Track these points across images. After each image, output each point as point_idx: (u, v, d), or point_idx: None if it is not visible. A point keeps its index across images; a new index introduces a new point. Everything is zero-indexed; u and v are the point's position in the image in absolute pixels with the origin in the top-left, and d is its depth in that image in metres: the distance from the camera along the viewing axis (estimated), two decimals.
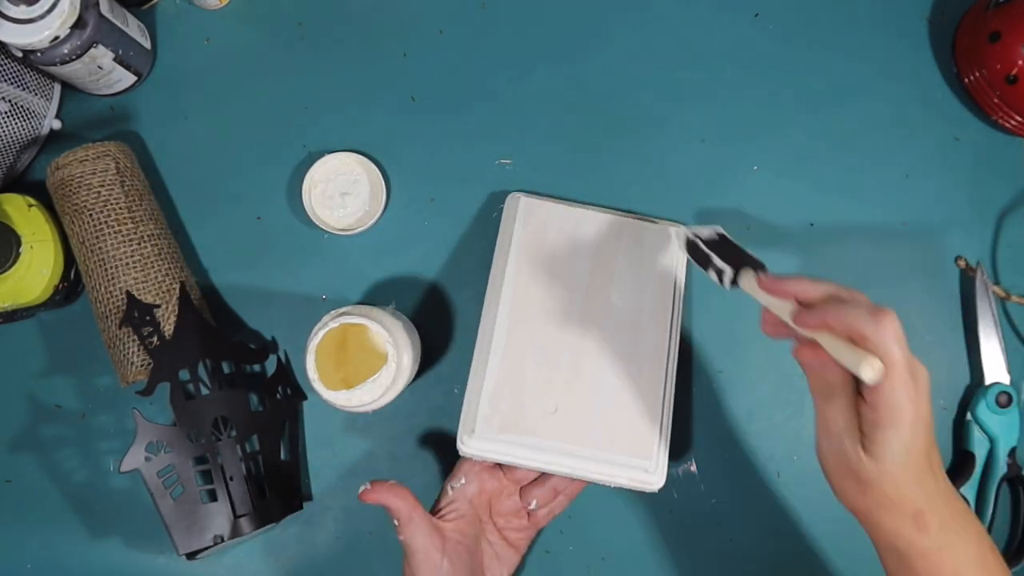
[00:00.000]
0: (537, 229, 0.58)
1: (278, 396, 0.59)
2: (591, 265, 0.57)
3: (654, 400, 0.54)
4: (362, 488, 0.49)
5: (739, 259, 0.49)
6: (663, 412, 0.54)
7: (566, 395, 0.54)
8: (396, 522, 0.49)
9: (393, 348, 0.51)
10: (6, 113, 0.58)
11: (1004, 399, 0.57)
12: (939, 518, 0.42)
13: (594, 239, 0.58)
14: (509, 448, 0.52)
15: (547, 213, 0.59)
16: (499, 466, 0.54)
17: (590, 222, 0.59)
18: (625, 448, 0.53)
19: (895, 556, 0.43)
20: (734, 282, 0.49)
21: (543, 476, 0.54)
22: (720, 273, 0.50)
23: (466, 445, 0.52)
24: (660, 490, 0.53)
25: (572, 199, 0.61)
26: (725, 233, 0.53)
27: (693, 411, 0.60)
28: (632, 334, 0.56)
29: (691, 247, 0.53)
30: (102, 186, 0.56)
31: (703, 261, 0.52)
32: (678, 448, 0.59)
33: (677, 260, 0.58)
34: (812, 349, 0.42)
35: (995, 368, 0.58)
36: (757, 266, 0.48)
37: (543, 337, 0.55)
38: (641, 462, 0.52)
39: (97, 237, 0.56)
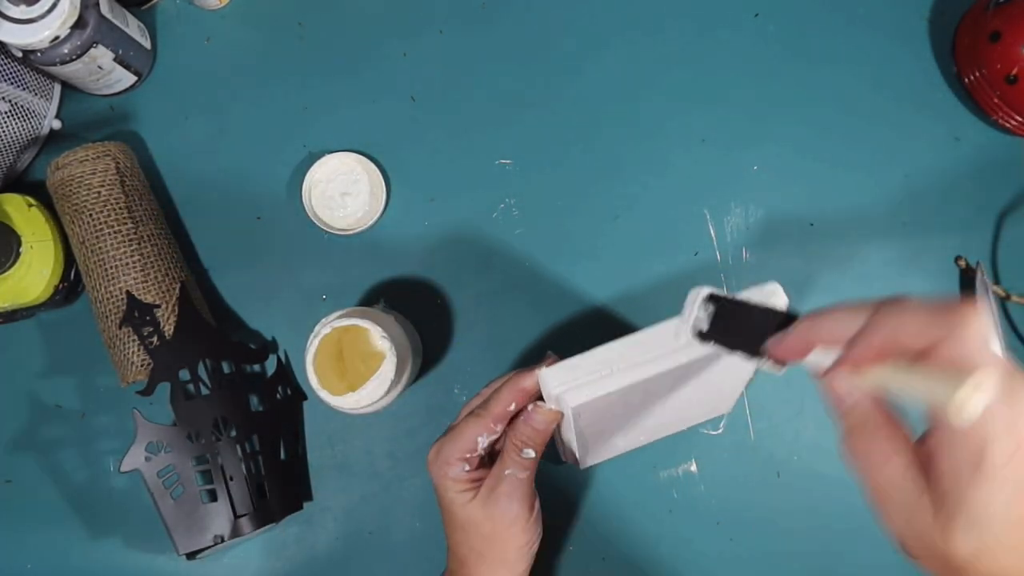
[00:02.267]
0: (589, 412, 0.44)
1: (278, 396, 0.59)
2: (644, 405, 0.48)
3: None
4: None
5: (748, 335, 0.35)
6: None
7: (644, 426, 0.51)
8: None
9: (390, 343, 0.51)
10: (6, 113, 0.58)
11: None
12: None
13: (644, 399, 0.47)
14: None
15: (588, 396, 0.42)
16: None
17: (635, 391, 0.43)
18: (702, 415, 0.55)
19: None
20: (755, 353, 0.35)
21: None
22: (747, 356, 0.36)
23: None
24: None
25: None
26: (716, 293, 0.38)
27: None
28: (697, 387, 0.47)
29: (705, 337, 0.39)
30: (102, 186, 0.56)
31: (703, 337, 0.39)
32: (678, 448, 0.59)
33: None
34: (848, 383, 0.30)
35: None
36: (764, 336, 0.34)
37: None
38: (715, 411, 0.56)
39: (97, 237, 0.56)
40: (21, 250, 0.55)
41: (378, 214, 0.61)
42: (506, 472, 0.44)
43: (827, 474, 0.58)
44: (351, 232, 0.60)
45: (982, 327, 0.27)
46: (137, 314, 0.56)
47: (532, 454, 0.44)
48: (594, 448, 0.53)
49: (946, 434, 0.27)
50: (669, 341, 0.41)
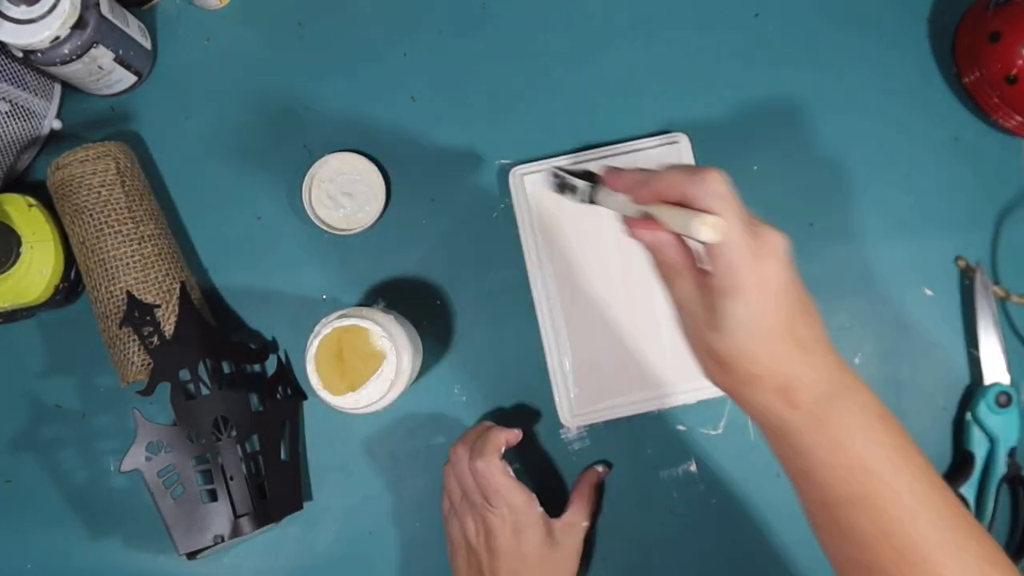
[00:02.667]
0: (550, 200, 0.59)
1: (278, 396, 0.59)
2: (612, 212, 0.58)
3: None
4: None
5: (589, 176, 0.48)
6: None
7: (631, 345, 0.58)
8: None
9: (390, 342, 0.51)
10: (6, 113, 0.58)
11: (1004, 399, 0.57)
12: (812, 393, 0.39)
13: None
14: (601, 412, 0.58)
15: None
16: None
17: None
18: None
19: (770, 432, 0.41)
20: (591, 200, 0.48)
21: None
22: (574, 189, 0.48)
23: (569, 424, 0.58)
24: None
25: (565, 152, 0.61)
26: (595, 173, 0.50)
27: (693, 412, 0.60)
28: None
29: (555, 181, 0.51)
30: (102, 186, 0.56)
31: (562, 188, 0.50)
32: (678, 448, 0.59)
33: None
34: (647, 225, 0.40)
35: (995, 368, 0.58)
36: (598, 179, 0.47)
37: (595, 299, 0.59)
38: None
39: (97, 237, 0.56)
40: (21, 250, 0.55)
41: (378, 214, 0.61)
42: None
43: None
44: (351, 232, 0.60)
45: (720, 184, 0.37)
46: (137, 314, 0.56)
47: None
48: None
49: (714, 258, 0.37)
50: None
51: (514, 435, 0.54)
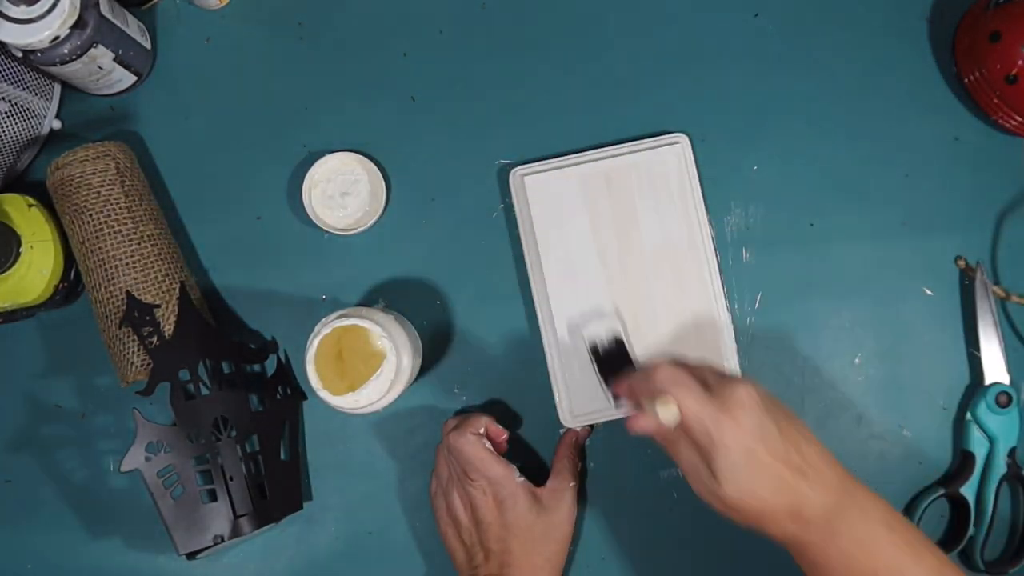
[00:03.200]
0: (550, 201, 0.60)
1: (278, 396, 0.59)
2: (612, 213, 0.59)
3: (712, 315, 0.58)
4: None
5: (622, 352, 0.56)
6: (721, 320, 0.59)
7: (638, 340, 0.58)
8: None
9: (390, 342, 0.51)
10: (6, 113, 0.58)
11: (1004, 399, 0.57)
12: (820, 509, 0.43)
13: (604, 186, 0.60)
14: (601, 413, 0.58)
15: (553, 181, 0.60)
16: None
17: (595, 174, 0.60)
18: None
19: (792, 550, 0.45)
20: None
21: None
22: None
23: (569, 424, 0.58)
24: None
25: (565, 152, 0.61)
26: (622, 338, 0.57)
27: None
28: (672, 263, 0.59)
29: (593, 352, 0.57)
30: (102, 186, 0.56)
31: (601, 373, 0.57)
32: None
33: (689, 173, 0.60)
34: (638, 418, 0.46)
35: (995, 368, 0.58)
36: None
37: (595, 299, 0.59)
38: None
39: (97, 237, 0.56)
40: (21, 250, 0.55)
41: (378, 214, 0.61)
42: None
43: None
44: (351, 232, 0.60)
45: (666, 374, 0.45)
46: (137, 314, 0.56)
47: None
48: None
49: (690, 430, 0.43)
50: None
51: (497, 429, 0.55)
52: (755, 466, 0.42)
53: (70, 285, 0.59)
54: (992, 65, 0.57)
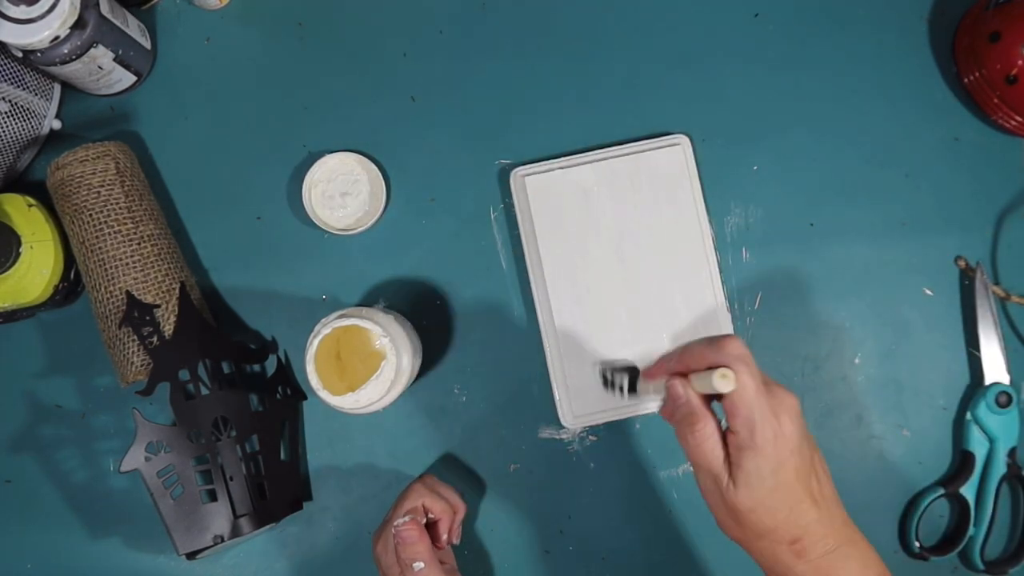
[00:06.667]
0: (551, 201, 0.60)
1: (278, 396, 0.59)
2: (612, 213, 0.60)
3: (712, 314, 0.59)
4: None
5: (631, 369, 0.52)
6: (721, 320, 0.59)
7: (632, 345, 0.59)
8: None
9: (390, 342, 0.51)
10: (6, 113, 0.58)
11: (1004, 399, 0.57)
12: (821, 547, 0.41)
13: (605, 187, 0.60)
14: (601, 414, 0.58)
15: (553, 181, 0.60)
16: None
17: (595, 174, 0.60)
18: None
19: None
20: (632, 389, 0.51)
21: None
22: (619, 387, 0.52)
23: (569, 424, 0.59)
24: None
25: (565, 152, 0.61)
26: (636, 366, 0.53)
27: None
28: (672, 263, 0.59)
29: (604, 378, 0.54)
30: (102, 186, 0.56)
31: (606, 383, 0.53)
32: (678, 448, 0.59)
33: (689, 174, 0.60)
34: (683, 384, 0.43)
35: (995, 368, 0.58)
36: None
37: (595, 299, 0.59)
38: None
39: (97, 237, 0.56)
40: (21, 250, 0.55)
41: (378, 214, 0.61)
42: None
43: None
44: (351, 232, 0.60)
45: (738, 347, 0.40)
46: (137, 314, 0.56)
47: (421, 566, 0.51)
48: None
49: (736, 415, 0.40)
50: None
51: (440, 507, 0.54)
52: (779, 481, 0.40)
53: (70, 285, 0.59)
54: (992, 65, 0.58)
